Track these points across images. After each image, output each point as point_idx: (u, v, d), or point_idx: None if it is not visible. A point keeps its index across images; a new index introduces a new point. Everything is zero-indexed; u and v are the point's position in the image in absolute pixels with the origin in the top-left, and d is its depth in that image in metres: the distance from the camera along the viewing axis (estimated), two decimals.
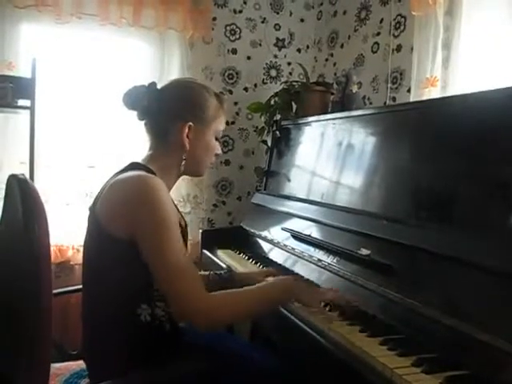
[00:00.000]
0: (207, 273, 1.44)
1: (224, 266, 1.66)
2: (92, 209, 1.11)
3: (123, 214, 1.03)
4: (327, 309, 1.15)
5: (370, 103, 2.25)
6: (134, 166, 1.14)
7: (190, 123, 1.16)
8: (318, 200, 1.66)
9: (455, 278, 0.99)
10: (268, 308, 1.16)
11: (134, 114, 1.20)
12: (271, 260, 1.70)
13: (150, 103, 1.17)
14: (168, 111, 1.17)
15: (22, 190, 1.00)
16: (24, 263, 0.96)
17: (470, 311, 0.92)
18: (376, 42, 2.26)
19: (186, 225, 1.22)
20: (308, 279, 1.42)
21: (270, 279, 1.38)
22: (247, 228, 2.01)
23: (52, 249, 2.20)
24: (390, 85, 2.13)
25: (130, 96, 1.18)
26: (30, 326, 0.95)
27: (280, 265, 1.63)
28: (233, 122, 2.67)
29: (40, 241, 0.95)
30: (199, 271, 1.32)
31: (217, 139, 1.25)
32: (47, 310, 0.96)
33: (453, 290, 0.99)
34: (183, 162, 1.18)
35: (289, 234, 1.67)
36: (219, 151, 1.27)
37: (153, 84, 1.19)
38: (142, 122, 1.21)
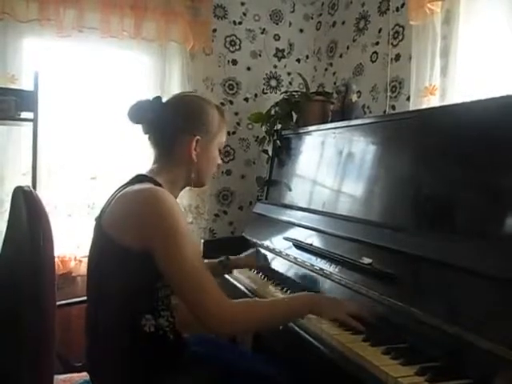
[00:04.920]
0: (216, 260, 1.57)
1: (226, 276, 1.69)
2: (98, 220, 1.12)
3: (135, 226, 1.03)
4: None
5: (370, 112, 2.26)
6: (140, 178, 1.14)
7: (198, 137, 1.18)
8: (320, 209, 1.67)
9: (457, 286, 0.99)
10: (289, 319, 1.20)
11: (138, 127, 1.21)
12: (273, 269, 1.71)
13: (155, 117, 1.18)
14: (174, 125, 1.19)
15: (27, 201, 1.02)
16: (29, 272, 0.97)
17: (473, 319, 0.92)
18: (375, 52, 2.28)
19: None
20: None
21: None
22: (249, 238, 2.02)
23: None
24: (389, 93, 2.14)
25: (134, 110, 1.18)
26: (33, 337, 0.96)
27: (282, 274, 1.63)
28: (234, 132, 2.68)
29: (45, 250, 0.96)
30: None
31: (219, 150, 1.28)
32: (51, 321, 0.97)
33: (455, 298, 0.99)
34: (191, 175, 1.20)
35: (290, 244, 1.67)
36: (220, 162, 1.32)
37: (157, 98, 1.20)
38: (145, 135, 1.22)
